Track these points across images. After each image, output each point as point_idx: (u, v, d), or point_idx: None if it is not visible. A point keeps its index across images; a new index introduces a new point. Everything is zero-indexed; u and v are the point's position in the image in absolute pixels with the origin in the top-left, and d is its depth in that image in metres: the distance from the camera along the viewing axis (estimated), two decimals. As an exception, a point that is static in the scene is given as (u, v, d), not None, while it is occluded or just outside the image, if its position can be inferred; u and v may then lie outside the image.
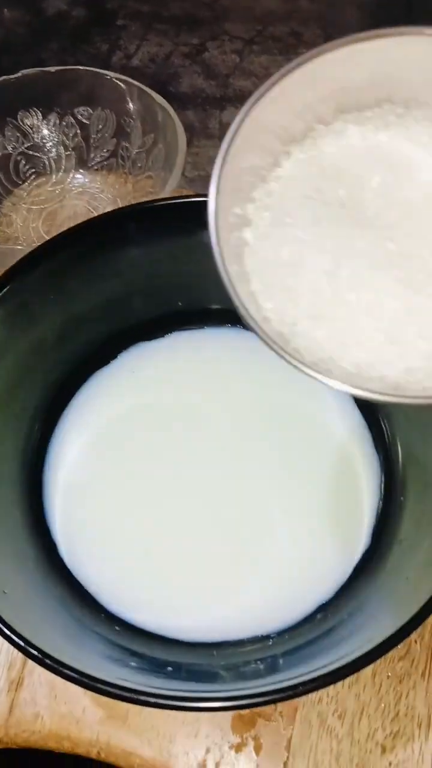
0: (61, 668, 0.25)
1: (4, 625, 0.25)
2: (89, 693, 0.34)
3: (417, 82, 0.22)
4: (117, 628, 0.33)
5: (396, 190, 0.22)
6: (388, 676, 0.34)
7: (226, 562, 0.34)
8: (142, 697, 0.24)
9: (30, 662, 0.35)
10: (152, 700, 0.24)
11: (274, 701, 0.24)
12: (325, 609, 0.33)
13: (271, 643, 0.32)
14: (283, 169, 0.23)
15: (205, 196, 0.29)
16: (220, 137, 0.57)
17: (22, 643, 0.25)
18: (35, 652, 0.25)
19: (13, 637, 0.25)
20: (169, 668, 0.30)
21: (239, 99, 0.60)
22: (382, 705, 0.33)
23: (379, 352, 0.21)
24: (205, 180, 0.60)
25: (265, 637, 0.33)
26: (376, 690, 0.34)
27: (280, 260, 0.22)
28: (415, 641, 0.35)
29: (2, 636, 0.25)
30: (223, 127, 0.58)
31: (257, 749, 0.33)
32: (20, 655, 0.35)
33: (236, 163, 0.22)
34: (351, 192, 0.22)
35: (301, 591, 0.34)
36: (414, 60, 0.21)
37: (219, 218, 0.22)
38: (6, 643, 0.35)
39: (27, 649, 0.25)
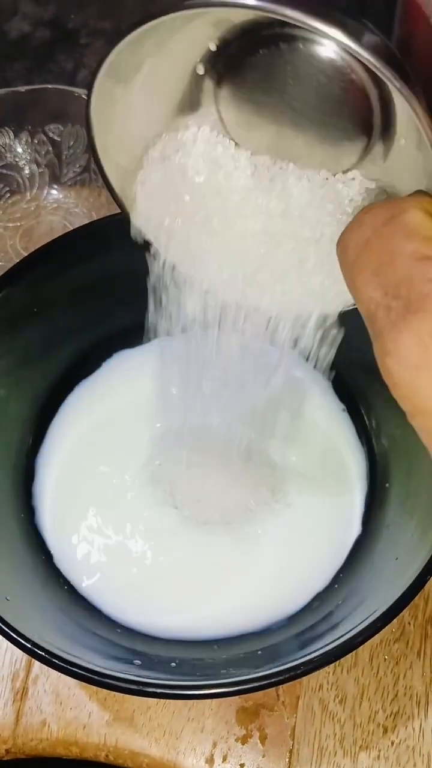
0: (69, 666, 0.25)
1: (9, 629, 0.26)
2: (94, 697, 0.34)
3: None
4: (118, 630, 0.33)
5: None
6: (385, 659, 0.35)
7: (223, 559, 0.35)
8: (149, 689, 0.25)
9: (34, 671, 0.35)
10: (159, 691, 0.25)
11: (277, 683, 0.25)
12: (321, 597, 0.34)
13: (271, 633, 0.33)
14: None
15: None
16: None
17: (29, 645, 0.26)
18: (42, 653, 0.26)
19: (20, 639, 0.26)
20: (173, 664, 0.30)
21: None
22: (381, 687, 0.34)
23: None
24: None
25: (265, 630, 0.33)
26: (374, 673, 0.35)
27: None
28: (409, 623, 0.36)
29: (8, 639, 0.26)
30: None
31: (263, 739, 0.34)
32: (23, 665, 0.36)
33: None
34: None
35: (298, 583, 0.34)
36: None
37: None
38: (8, 655, 0.36)
39: (34, 650, 0.26)
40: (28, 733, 0.34)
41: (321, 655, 0.25)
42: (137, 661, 0.30)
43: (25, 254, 0.48)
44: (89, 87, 0.24)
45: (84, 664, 0.25)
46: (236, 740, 0.34)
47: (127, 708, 0.34)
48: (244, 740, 0.34)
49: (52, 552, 0.36)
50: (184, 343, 0.41)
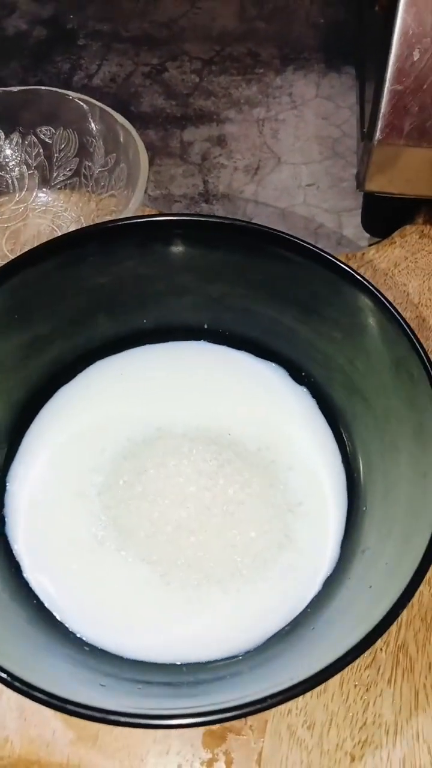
0: (31, 691, 0.25)
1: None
2: (59, 715, 0.34)
3: None
4: (86, 648, 0.33)
5: None
6: (355, 685, 0.35)
7: (195, 582, 0.34)
8: (112, 717, 0.24)
9: (-2, 686, 0.35)
10: (123, 719, 0.24)
11: (243, 715, 0.24)
12: (292, 622, 0.33)
13: (240, 658, 0.32)
14: None
15: (169, 215, 0.30)
16: (181, 156, 0.58)
17: (-11, 667, 0.25)
18: (4, 675, 0.25)
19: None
20: (139, 686, 0.30)
21: (199, 118, 0.61)
22: (350, 714, 0.34)
23: None
24: (167, 198, 0.61)
25: (235, 656, 0.33)
26: (344, 699, 0.34)
27: None
28: (381, 649, 0.35)
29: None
30: (184, 146, 0.59)
31: (228, 764, 0.33)
32: (-13, 679, 0.35)
33: None
34: None
35: (271, 610, 0.33)
36: None
37: None
38: (-27, 668, 0.35)
39: (-5, 672, 0.25)
40: (-11, 750, 0.33)
41: (288, 688, 0.25)
42: (102, 683, 0.29)
43: (11, 256, 0.48)
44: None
45: (46, 687, 0.25)
46: (201, 764, 0.33)
47: (92, 727, 0.34)
48: (209, 764, 0.33)
49: (20, 563, 0.35)
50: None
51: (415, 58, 0.41)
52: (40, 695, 0.25)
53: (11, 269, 0.35)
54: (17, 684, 0.25)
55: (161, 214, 0.44)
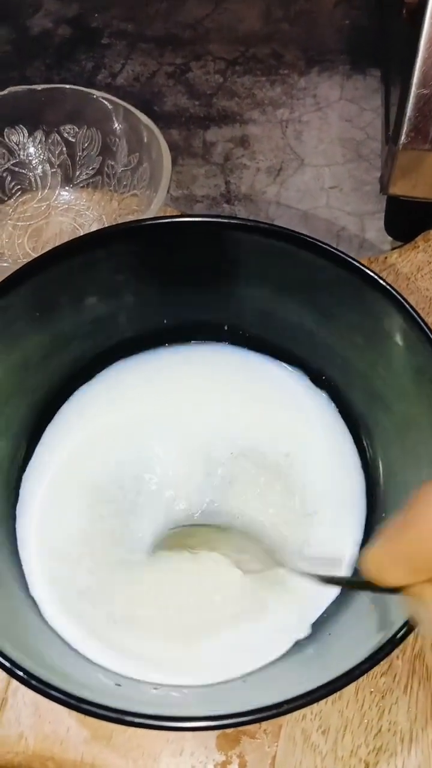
0: (47, 689, 0.25)
1: (-11, 646, 0.25)
2: (74, 713, 0.34)
3: None
4: (101, 647, 0.33)
5: None
6: (371, 692, 0.34)
7: (210, 598, 0.33)
8: (128, 718, 0.24)
9: (14, 683, 0.35)
10: (138, 720, 0.24)
11: (258, 720, 0.24)
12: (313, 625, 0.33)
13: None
14: None
15: (191, 216, 0.30)
16: (204, 156, 0.58)
17: (8, 664, 0.25)
18: (21, 673, 0.25)
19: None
20: (154, 690, 0.30)
21: (222, 118, 0.60)
22: (365, 721, 0.34)
23: None
24: (189, 198, 0.61)
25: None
26: (359, 706, 0.34)
27: None
28: (397, 657, 0.35)
29: (-12, 657, 0.25)
30: (207, 146, 0.59)
31: (242, 767, 0.33)
32: (3, 675, 0.35)
33: None
34: None
35: (289, 618, 0.33)
36: None
37: None
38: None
39: (13, 670, 0.25)
40: (4, 745, 0.34)
41: (305, 694, 0.25)
42: (118, 684, 0.29)
43: (33, 254, 0.48)
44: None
45: (63, 687, 0.25)
46: (215, 766, 0.33)
47: (106, 726, 0.34)
48: (223, 766, 0.33)
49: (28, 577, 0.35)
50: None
51: (443, 62, 0.41)
52: (56, 694, 0.25)
53: (34, 267, 0.35)
54: (34, 682, 0.25)
55: (184, 215, 0.44)
